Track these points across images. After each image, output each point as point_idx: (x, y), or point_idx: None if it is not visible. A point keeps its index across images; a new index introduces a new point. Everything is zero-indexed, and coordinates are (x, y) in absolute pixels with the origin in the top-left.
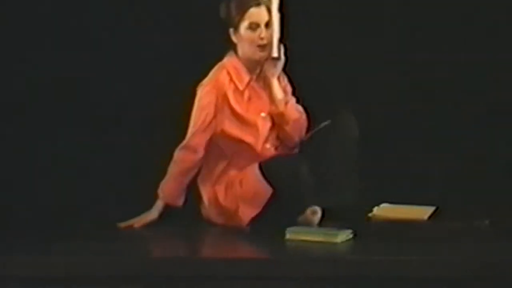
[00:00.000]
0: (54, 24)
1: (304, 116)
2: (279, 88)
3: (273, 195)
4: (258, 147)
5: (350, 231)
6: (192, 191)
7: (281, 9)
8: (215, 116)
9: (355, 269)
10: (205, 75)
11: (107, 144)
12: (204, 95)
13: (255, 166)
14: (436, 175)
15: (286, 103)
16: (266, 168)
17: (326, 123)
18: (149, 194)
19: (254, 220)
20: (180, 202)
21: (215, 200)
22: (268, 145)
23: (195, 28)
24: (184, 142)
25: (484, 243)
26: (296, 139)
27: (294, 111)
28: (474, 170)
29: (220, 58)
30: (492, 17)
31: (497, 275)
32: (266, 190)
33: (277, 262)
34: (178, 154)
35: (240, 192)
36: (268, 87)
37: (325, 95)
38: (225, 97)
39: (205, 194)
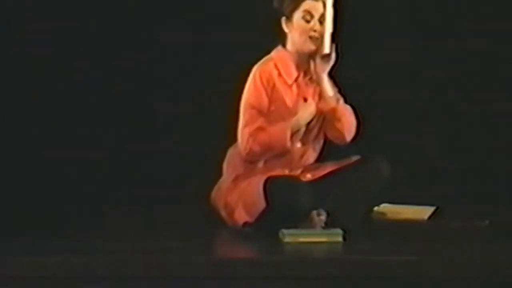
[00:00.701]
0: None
1: (353, 115)
2: (330, 84)
3: (268, 210)
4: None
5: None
6: (193, 190)
7: (335, 5)
8: (263, 111)
9: (355, 269)
10: (251, 69)
11: (106, 144)
12: (252, 89)
13: (263, 178)
14: (436, 175)
15: (338, 100)
16: (269, 184)
17: (355, 157)
18: (149, 193)
19: (247, 224)
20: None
21: (225, 191)
22: (298, 144)
23: (242, 23)
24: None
25: (484, 243)
26: (347, 136)
27: (345, 108)
28: (474, 170)
29: (266, 53)
30: None
31: (497, 275)
32: (261, 204)
33: (277, 262)
34: (243, 114)
35: (243, 194)
36: (318, 83)
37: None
38: (274, 89)
39: (224, 181)
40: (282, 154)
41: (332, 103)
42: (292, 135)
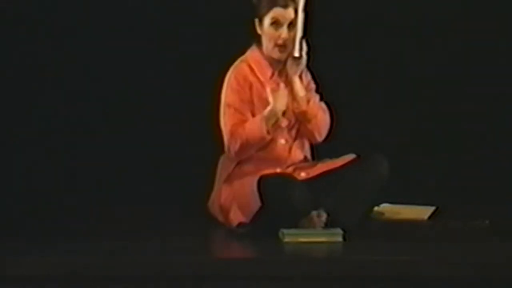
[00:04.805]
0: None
1: (327, 114)
2: (301, 86)
3: (263, 209)
4: (274, 142)
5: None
6: (194, 190)
7: (305, 8)
8: (242, 110)
9: (355, 269)
10: (226, 70)
11: (106, 144)
12: (229, 90)
13: (256, 177)
14: (436, 175)
15: (308, 100)
16: (263, 183)
17: (350, 156)
18: (149, 193)
19: (242, 225)
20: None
21: (218, 194)
22: (282, 141)
23: (216, 25)
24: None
25: (484, 243)
26: (318, 137)
27: (317, 109)
28: (474, 170)
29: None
30: None
31: (497, 275)
32: (256, 203)
33: (276, 262)
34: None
35: (237, 195)
36: (290, 85)
37: (345, 92)
38: (251, 89)
39: (214, 190)
40: (264, 146)
41: (303, 105)
42: (272, 127)
